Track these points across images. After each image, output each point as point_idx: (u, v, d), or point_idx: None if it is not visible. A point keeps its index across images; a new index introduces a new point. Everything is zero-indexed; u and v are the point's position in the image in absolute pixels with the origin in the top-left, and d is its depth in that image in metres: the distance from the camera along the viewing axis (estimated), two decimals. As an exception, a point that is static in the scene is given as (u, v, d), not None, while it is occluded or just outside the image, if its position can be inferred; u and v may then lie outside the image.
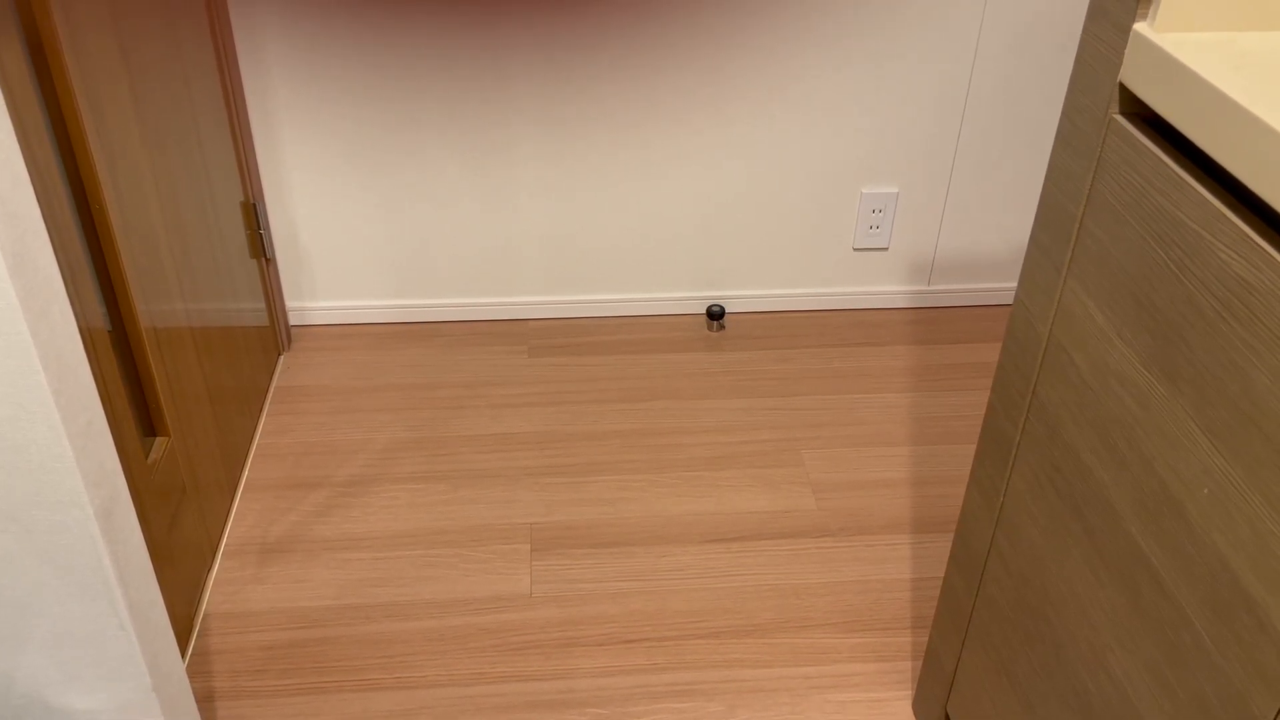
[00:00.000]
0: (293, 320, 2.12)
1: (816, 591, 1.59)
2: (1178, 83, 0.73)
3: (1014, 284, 2.22)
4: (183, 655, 1.45)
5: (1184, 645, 0.79)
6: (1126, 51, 0.79)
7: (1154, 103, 0.77)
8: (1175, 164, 0.75)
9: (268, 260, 1.98)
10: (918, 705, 1.41)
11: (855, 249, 2.15)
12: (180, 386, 1.51)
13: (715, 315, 2.15)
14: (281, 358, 2.06)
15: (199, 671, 1.46)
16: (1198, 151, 0.75)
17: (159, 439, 1.45)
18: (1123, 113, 0.82)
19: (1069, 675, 0.97)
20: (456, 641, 1.51)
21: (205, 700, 1.42)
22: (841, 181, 2.06)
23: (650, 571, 1.62)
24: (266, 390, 1.97)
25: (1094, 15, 0.83)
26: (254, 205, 1.91)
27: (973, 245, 2.16)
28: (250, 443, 1.84)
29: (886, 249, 2.15)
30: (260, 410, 1.91)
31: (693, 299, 2.19)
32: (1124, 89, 0.81)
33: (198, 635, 1.51)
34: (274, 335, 2.04)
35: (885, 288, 2.20)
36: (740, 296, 2.19)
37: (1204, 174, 0.74)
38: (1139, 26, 0.78)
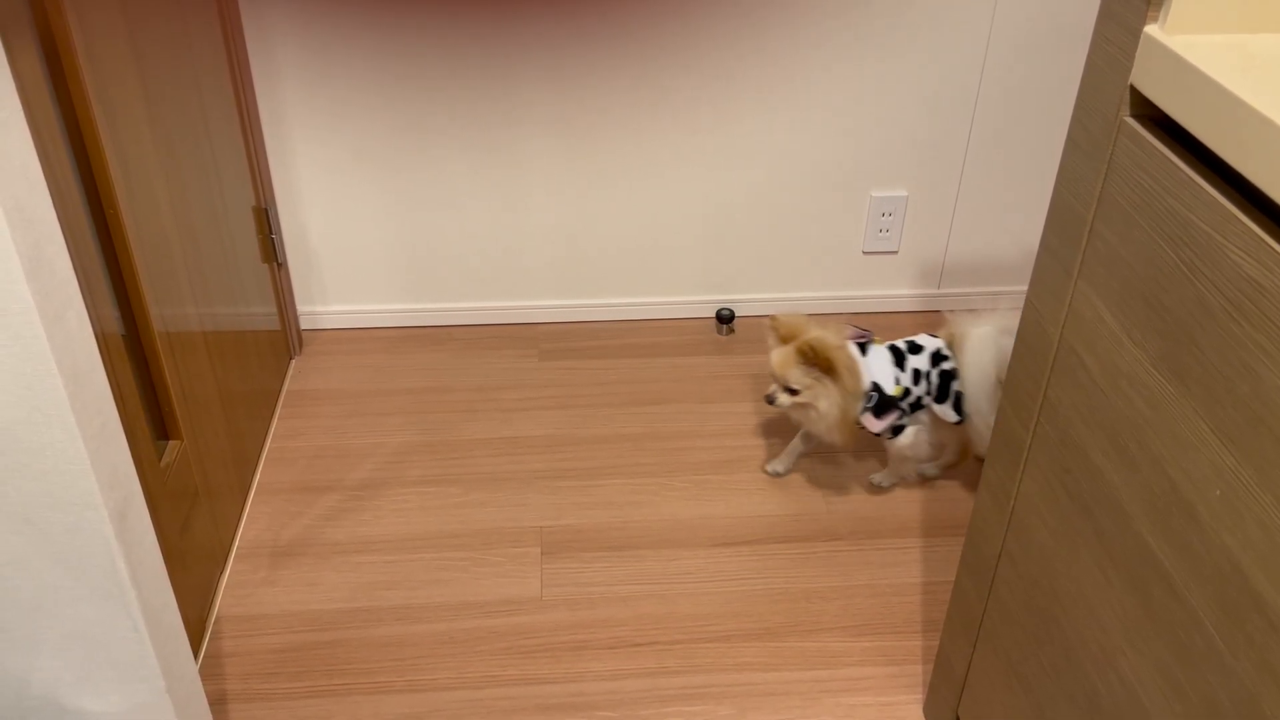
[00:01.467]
0: (304, 324, 2.13)
1: (826, 595, 1.59)
2: (1188, 85, 0.73)
3: (1024, 287, 2.21)
4: (195, 658, 1.45)
5: (1194, 646, 0.78)
6: (1137, 54, 0.79)
7: (1165, 105, 0.77)
8: (1186, 165, 0.75)
9: (279, 264, 1.99)
10: (929, 709, 1.40)
11: (865, 252, 2.15)
12: (192, 390, 1.52)
13: (724, 319, 2.15)
14: (293, 362, 2.07)
15: (211, 674, 1.47)
16: (1208, 153, 0.75)
17: (172, 442, 1.46)
18: (1133, 115, 0.82)
19: (1079, 677, 0.97)
20: (467, 644, 1.51)
21: (217, 703, 1.43)
22: (851, 185, 2.06)
23: (660, 575, 1.62)
24: (278, 394, 1.97)
25: (1104, 17, 0.84)
26: (265, 210, 1.92)
27: (983, 248, 2.16)
28: (262, 446, 1.85)
29: (896, 252, 2.15)
30: (272, 414, 1.92)
31: (702, 303, 2.19)
32: (1134, 91, 0.81)
33: (210, 638, 1.52)
34: (285, 339, 2.05)
35: (895, 291, 2.20)
36: (749, 300, 2.19)
37: (1215, 175, 0.74)
38: (1149, 29, 0.78)
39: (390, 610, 1.56)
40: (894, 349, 1.63)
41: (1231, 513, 0.73)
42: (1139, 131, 0.81)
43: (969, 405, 1.62)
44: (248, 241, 1.84)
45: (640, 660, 1.49)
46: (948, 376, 1.62)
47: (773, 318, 1.63)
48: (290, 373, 2.04)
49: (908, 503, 1.75)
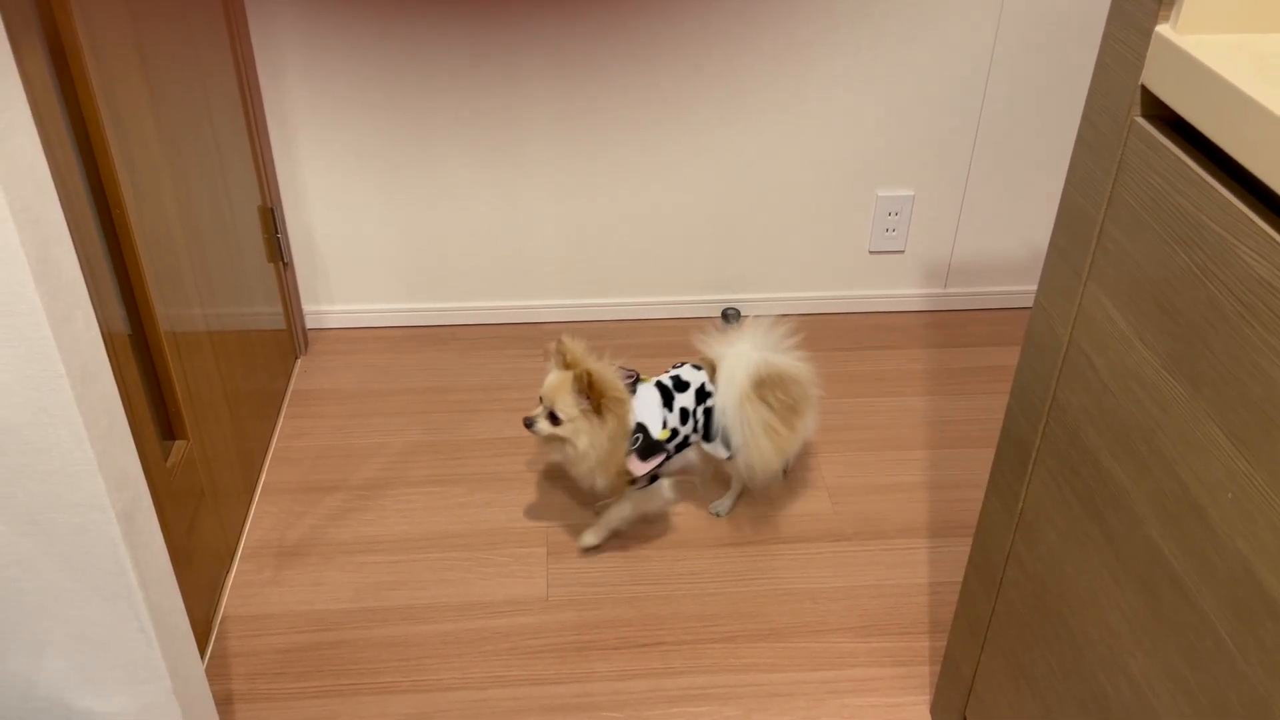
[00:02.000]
0: (309, 324, 2.13)
1: (832, 596, 1.59)
2: (1200, 84, 0.73)
3: (1031, 287, 2.21)
4: (201, 658, 1.45)
5: (1205, 650, 0.78)
6: (1148, 54, 0.79)
7: (1176, 105, 0.76)
8: (1197, 166, 0.75)
9: (285, 264, 1.99)
10: (935, 710, 1.40)
11: (871, 252, 2.14)
12: (198, 390, 1.52)
13: (730, 318, 2.15)
14: (298, 361, 2.07)
15: (217, 674, 1.46)
16: (1220, 153, 0.74)
17: (178, 442, 1.46)
18: (1144, 115, 0.82)
19: (1088, 680, 0.97)
20: (472, 645, 1.51)
21: (224, 703, 1.43)
22: (857, 184, 2.05)
23: (665, 575, 1.62)
24: (283, 394, 1.97)
25: (1115, 17, 0.83)
26: (271, 210, 1.92)
27: (989, 248, 2.16)
28: (267, 446, 1.85)
29: (902, 252, 2.14)
30: (277, 414, 1.92)
31: (707, 302, 2.18)
32: (1145, 91, 0.80)
33: (216, 638, 1.52)
34: (291, 339, 2.05)
35: (901, 291, 2.20)
36: (755, 299, 2.19)
37: (1226, 176, 0.73)
38: (1160, 28, 0.78)
39: (395, 610, 1.56)
40: (661, 387, 1.54)
41: (1244, 516, 0.73)
42: (1150, 132, 0.80)
43: (725, 431, 1.54)
44: (253, 241, 1.84)
45: (646, 661, 1.49)
46: (714, 414, 1.55)
47: (559, 340, 1.50)
48: (296, 372, 2.04)
49: (913, 503, 1.75)
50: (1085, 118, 0.89)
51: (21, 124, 0.80)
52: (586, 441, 1.47)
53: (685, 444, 1.57)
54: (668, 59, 1.88)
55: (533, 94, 1.90)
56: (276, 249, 1.95)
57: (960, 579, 1.62)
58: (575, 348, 1.49)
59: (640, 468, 1.51)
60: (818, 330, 2.16)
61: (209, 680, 1.44)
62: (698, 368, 1.58)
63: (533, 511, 1.73)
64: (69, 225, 0.88)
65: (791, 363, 1.55)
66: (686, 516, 1.72)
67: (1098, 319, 0.90)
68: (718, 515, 1.71)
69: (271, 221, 1.93)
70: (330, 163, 1.96)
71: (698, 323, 2.17)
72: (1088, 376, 0.92)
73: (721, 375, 1.54)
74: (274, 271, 1.96)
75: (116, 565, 0.97)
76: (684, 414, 1.54)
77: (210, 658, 1.49)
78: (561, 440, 1.49)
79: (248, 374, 1.76)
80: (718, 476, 1.75)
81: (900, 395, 1.99)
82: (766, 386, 1.52)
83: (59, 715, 1.09)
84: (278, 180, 1.95)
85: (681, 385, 1.55)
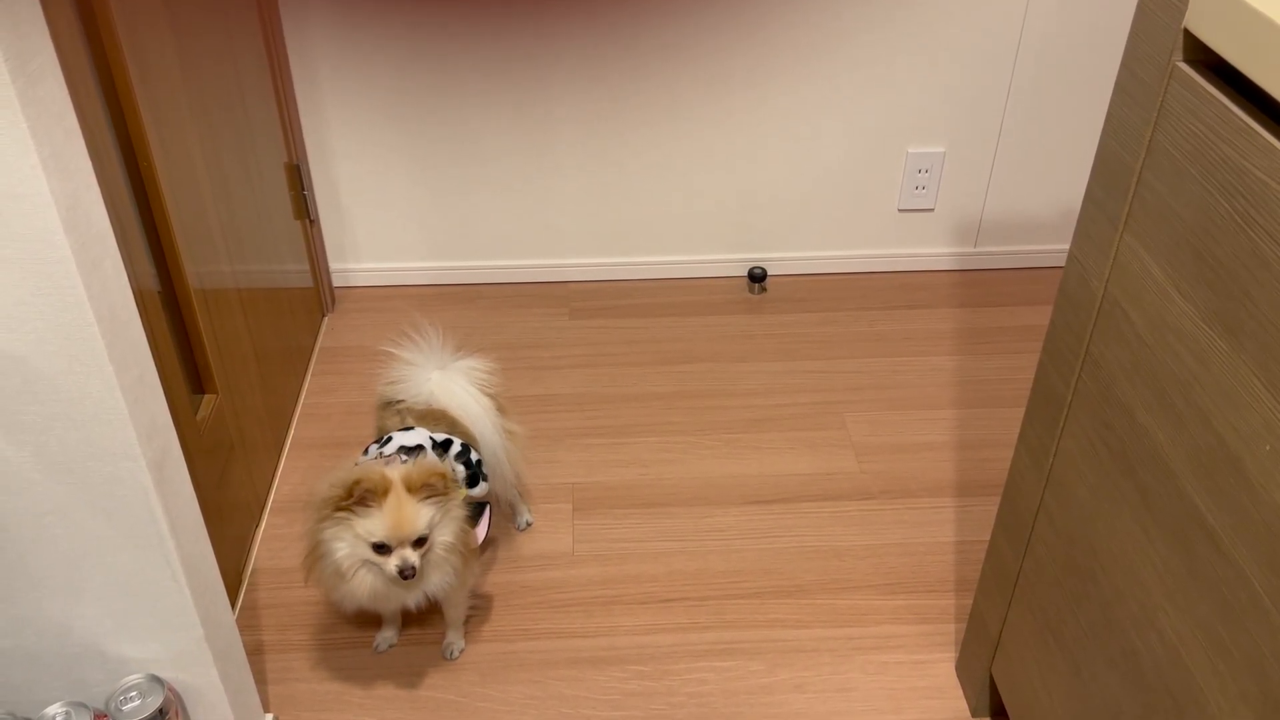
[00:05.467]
0: (336, 282, 2.14)
1: (858, 553, 1.59)
2: (1246, 27, 0.71)
3: (1062, 246, 2.18)
4: (232, 608, 1.47)
5: (1239, 604, 0.77)
6: (1192, -5, 0.77)
7: (1221, 48, 0.74)
8: (1242, 112, 0.73)
9: (311, 221, 1.99)
10: (961, 667, 1.40)
11: (900, 210, 2.12)
12: (227, 346, 1.52)
13: (757, 277, 2.14)
14: (325, 319, 2.08)
15: (248, 625, 1.48)
16: (1266, 98, 0.72)
17: (207, 396, 1.47)
18: (1187, 60, 0.79)
19: (1118, 636, 0.96)
20: (500, 598, 1.52)
21: (254, 652, 1.45)
22: (887, 141, 2.02)
23: (691, 532, 1.62)
24: (311, 351, 1.98)
25: (1158, -41, 0.81)
26: (297, 166, 1.92)
27: (1020, 206, 2.13)
28: (296, 402, 1.86)
29: (932, 210, 2.12)
30: (305, 370, 1.93)
31: (734, 261, 2.17)
32: (1189, 35, 0.78)
33: (246, 589, 1.54)
34: (318, 296, 2.06)
35: (930, 249, 2.17)
36: (782, 259, 2.17)
37: (1273, 121, 0.71)
38: (1206, -31, 0.75)
39: (423, 564, 1.57)
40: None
41: (1282, 468, 0.71)
42: (1192, 77, 0.78)
43: (493, 453, 1.42)
44: (280, 198, 1.84)
45: (671, 616, 1.49)
46: (465, 456, 1.36)
47: (355, 484, 1.18)
48: (323, 329, 2.05)
49: (940, 462, 1.74)
50: (1125, 64, 0.87)
51: (49, 70, 0.79)
52: (452, 528, 1.25)
53: None
54: (697, 17, 1.86)
55: (560, 51, 1.88)
56: (303, 206, 1.95)
57: (987, 538, 1.61)
58: (369, 475, 1.20)
59: (481, 531, 1.33)
60: (845, 289, 2.14)
61: (239, 630, 1.46)
62: (408, 428, 1.36)
63: (558, 468, 1.73)
64: (98, 181, 0.88)
65: (479, 363, 1.47)
66: (711, 473, 1.72)
67: (1134, 271, 0.88)
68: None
69: (298, 178, 1.92)
70: (356, 120, 1.95)
71: (724, 282, 2.16)
72: (1123, 330, 0.91)
73: (468, 413, 1.41)
74: (301, 229, 1.96)
75: (148, 514, 0.99)
76: None
77: (241, 608, 1.51)
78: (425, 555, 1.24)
79: (276, 331, 1.77)
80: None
81: (928, 355, 1.97)
82: (487, 394, 1.45)
83: (94, 661, 1.11)
84: (304, 137, 1.95)
85: (414, 454, 1.31)
